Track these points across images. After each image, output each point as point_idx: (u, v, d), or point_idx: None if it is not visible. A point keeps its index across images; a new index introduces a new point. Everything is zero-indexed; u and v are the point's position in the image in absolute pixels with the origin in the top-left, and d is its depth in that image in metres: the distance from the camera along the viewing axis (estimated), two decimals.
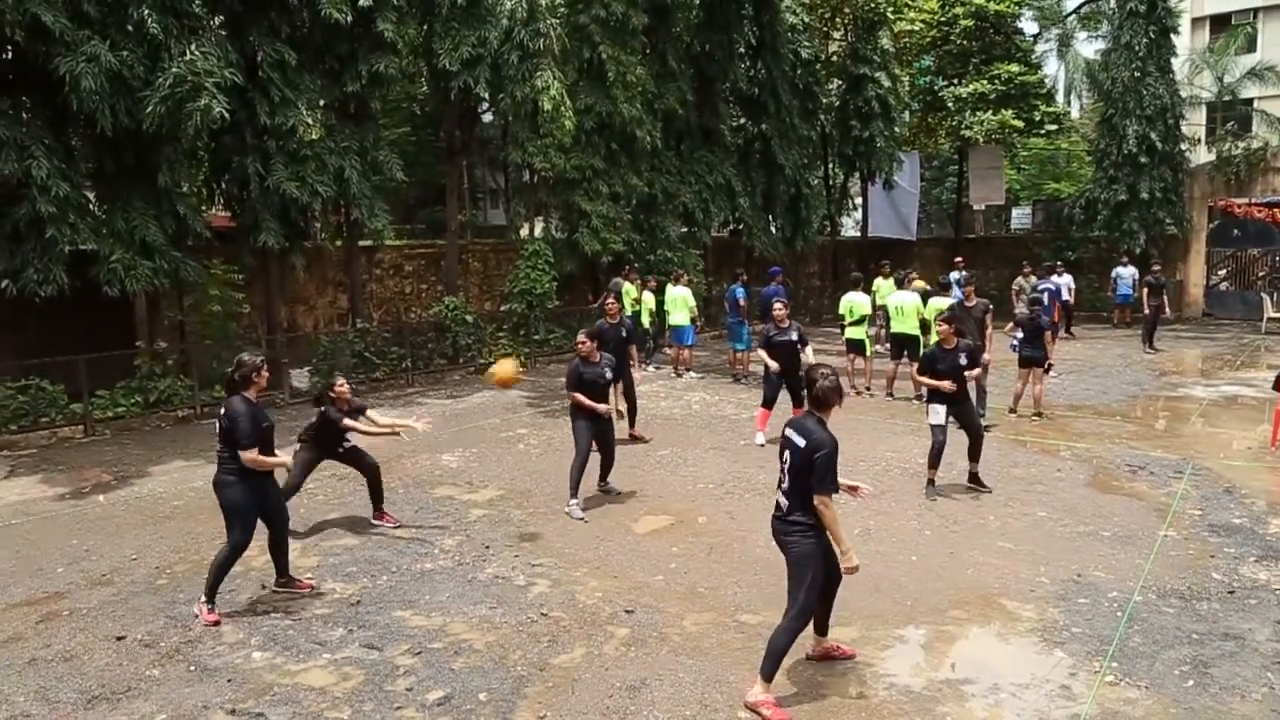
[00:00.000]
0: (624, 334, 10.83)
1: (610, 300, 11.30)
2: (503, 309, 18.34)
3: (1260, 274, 26.48)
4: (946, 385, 8.48)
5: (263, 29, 13.39)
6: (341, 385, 7.61)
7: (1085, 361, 17.15)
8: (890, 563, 6.91)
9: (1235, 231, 26.54)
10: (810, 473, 4.76)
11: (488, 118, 22.98)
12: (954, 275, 18.09)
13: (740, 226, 23.03)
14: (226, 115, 11.75)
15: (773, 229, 24.26)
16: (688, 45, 21.26)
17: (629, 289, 15.71)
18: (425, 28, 16.33)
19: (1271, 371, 13.00)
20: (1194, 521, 7.89)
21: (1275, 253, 26.39)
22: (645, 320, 16.23)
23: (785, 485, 4.93)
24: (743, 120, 23.46)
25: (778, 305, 10.84)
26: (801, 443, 4.81)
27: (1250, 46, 31.14)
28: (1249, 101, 28.27)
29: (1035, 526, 7.77)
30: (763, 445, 10.43)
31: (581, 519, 8.05)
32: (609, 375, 8.53)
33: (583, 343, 8.55)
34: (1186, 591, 6.35)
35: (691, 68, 21.26)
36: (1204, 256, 25.34)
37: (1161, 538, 7.44)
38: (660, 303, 16.54)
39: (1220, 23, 33.97)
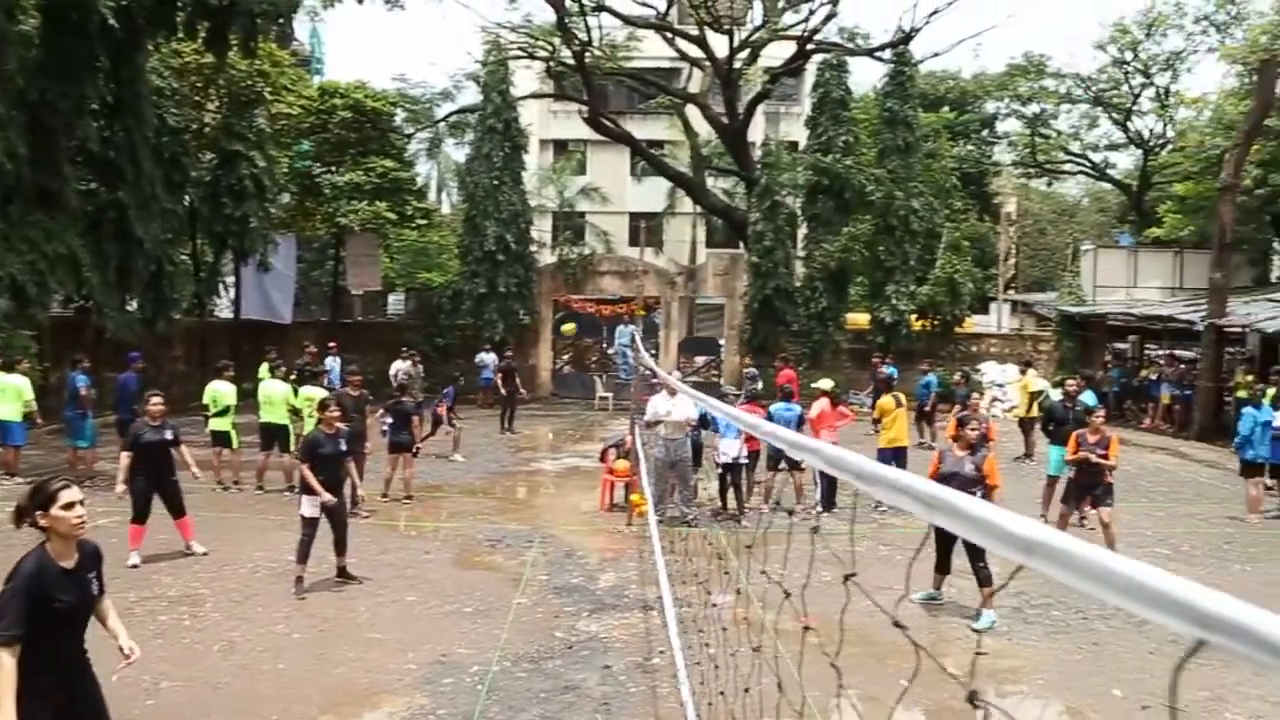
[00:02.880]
0: None
1: None
2: None
3: (593, 359, 31.45)
4: (327, 498, 8.30)
5: None
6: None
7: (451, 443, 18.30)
8: (254, 676, 6.45)
9: (573, 323, 31.25)
10: None
11: None
12: (329, 361, 18.15)
13: (89, 304, 20.26)
14: None
15: (130, 308, 21.80)
16: (22, 90, 18.27)
17: None
18: None
19: (602, 444, 15.23)
20: (542, 586, 8.81)
21: (602, 341, 31.68)
22: None
23: None
24: (93, 184, 20.83)
25: (155, 400, 9.58)
26: None
27: (582, 169, 37.25)
28: (582, 214, 33.64)
29: (404, 612, 7.95)
30: (136, 566, 8.94)
31: None
32: None
33: None
34: (536, 653, 7.01)
35: (26, 116, 18.27)
36: (551, 344, 29.18)
37: (515, 605, 8.15)
38: None
39: (561, 147, 40.04)
